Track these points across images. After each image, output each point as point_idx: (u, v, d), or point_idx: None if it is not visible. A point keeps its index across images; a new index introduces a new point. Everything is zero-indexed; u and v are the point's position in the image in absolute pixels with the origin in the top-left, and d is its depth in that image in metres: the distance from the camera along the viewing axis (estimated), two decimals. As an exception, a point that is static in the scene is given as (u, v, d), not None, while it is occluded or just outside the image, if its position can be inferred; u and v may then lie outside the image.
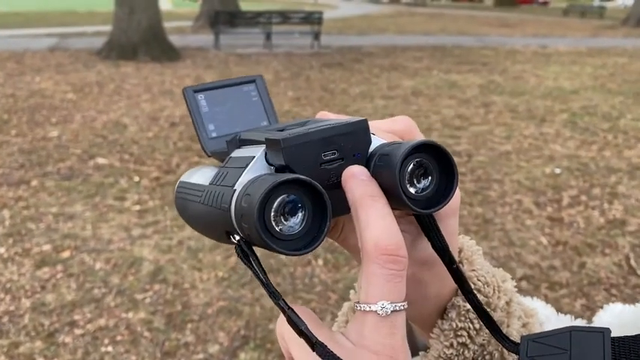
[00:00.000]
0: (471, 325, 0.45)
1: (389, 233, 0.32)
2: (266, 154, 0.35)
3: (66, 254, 3.50)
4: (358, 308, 0.33)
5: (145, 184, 4.67)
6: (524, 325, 0.49)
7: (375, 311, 0.32)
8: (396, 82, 9.45)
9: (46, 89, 8.28)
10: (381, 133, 0.39)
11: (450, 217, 0.40)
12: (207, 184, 0.39)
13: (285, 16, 14.11)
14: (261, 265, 0.34)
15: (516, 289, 0.50)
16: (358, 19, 26.08)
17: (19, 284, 3.16)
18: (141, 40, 11.14)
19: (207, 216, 0.38)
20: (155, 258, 3.47)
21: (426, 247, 0.40)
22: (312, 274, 3.31)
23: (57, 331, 2.77)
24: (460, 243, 0.47)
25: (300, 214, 0.32)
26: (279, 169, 0.34)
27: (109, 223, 3.93)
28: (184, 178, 0.44)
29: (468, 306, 0.44)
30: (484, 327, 0.45)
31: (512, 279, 0.50)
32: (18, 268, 3.33)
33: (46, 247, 3.57)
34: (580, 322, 0.56)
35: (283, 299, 0.33)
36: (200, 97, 0.44)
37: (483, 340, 0.45)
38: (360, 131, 0.35)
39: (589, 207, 4.35)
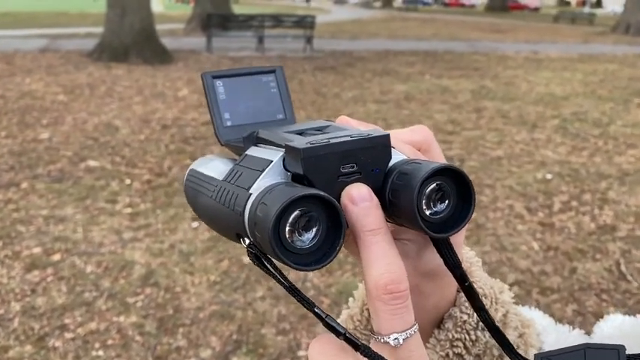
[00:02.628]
0: (467, 337, 0.45)
1: (389, 272, 0.32)
2: (284, 159, 0.35)
3: (56, 257, 3.46)
4: (375, 339, 0.34)
5: (137, 186, 4.64)
6: (520, 336, 0.49)
7: (389, 343, 0.33)
8: (389, 86, 9.47)
9: (37, 91, 8.22)
10: (400, 144, 0.38)
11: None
12: (221, 179, 0.38)
13: (277, 20, 14.12)
14: (277, 268, 0.33)
15: (513, 300, 0.50)
16: (351, 23, 26.15)
17: (8, 287, 3.12)
18: (133, 42, 11.10)
19: (218, 214, 0.37)
20: (146, 261, 3.45)
21: (431, 259, 0.40)
22: (304, 279, 3.30)
23: (47, 335, 2.75)
24: None
25: (314, 230, 0.31)
26: (296, 178, 0.34)
27: (100, 226, 3.90)
28: (196, 166, 0.43)
29: (465, 317, 0.45)
30: (480, 339, 0.45)
31: (509, 289, 0.51)
32: (8, 271, 3.29)
33: (37, 250, 3.54)
34: (578, 332, 0.56)
35: (318, 307, 0.32)
36: (218, 83, 0.43)
37: (479, 350, 0.46)
38: (381, 147, 0.35)
39: (580, 212, 4.38)
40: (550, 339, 0.54)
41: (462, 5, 58.91)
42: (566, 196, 4.69)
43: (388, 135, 0.35)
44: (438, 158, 0.41)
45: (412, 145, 0.40)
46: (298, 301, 0.33)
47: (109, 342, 2.71)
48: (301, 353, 2.70)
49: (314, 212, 0.31)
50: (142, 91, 8.47)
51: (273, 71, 0.45)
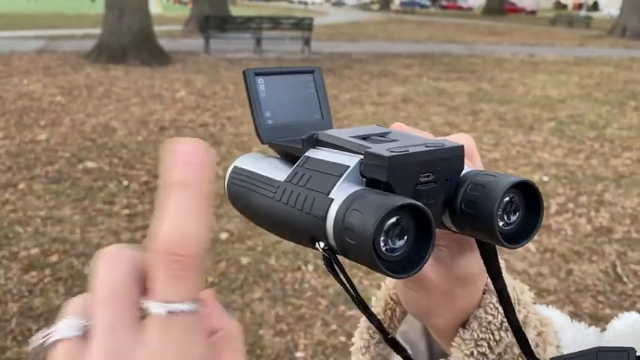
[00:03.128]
0: (491, 337, 0.47)
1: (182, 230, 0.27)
2: (361, 165, 0.35)
3: (54, 258, 3.47)
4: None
5: (135, 188, 4.65)
6: (539, 334, 0.51)
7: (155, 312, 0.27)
8: (386, 88, 9.50)
9: (34, 92, 8.22)
10: None
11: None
12: (283, 180, 0.38)
13: (275, 22, 14.14)
14: (348, 277, 0.34)
15: (532, 300, 0.52)
16: (348, 25, 26.21)
17: (5, 288, 3.12)
18: (130, 43, 11.10)
19: (286, 216, 0.36)
20: (144, 262, 3.45)
21: (465, 266, 0.42)
22: (302, 280, 3.31)
23: (45, 335, 2.75)
24: None
25: (405, 237, 0.32)
26: (373, 183, 0.34)
27: (98, 227, 3.90)
28: (241, 164, 0.43)
29: (490, 318, 0.46)
30: (503, 339, 0.47)
31: (530, 290, 0.52)
32: (5, 271, 3.29)
33: (34, 251, 3.54)
34: (593, 331, 0.58)
35: (380, 320, 0.34)
36: (260, 80, 0.43)
37: (501, 349, 0.47)
38: (456, 157, 0.36)
39: (576, 214, 4.40)
40: (567, 337, 0.55)
41: (460, 8, 59.10)
42: (562, 198, 4.72)
43: (462, 146, 0.36)
44: (479, 165, 0.42)
45: None
46: (362, 311, 0.34)
47: (107, 343, 2.72)
48: (299, 354, 2.71)
49: (406, 221, 0.32)
50: (139, 93, 8.48)
51: (312, 71, 0.45)
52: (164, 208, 0.27)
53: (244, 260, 3.52)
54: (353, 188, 0.33)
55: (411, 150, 0.34)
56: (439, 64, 12.86)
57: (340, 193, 0.33)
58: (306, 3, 57.61)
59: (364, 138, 0.37)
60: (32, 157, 5.29)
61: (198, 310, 0.26)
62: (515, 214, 0.36)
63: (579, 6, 58.64)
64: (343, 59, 12.98)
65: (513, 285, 0.50)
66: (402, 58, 13.49)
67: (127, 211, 4.18)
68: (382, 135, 0.38)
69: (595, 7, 64.78)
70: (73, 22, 21.61)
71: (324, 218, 0.33)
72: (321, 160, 0.37)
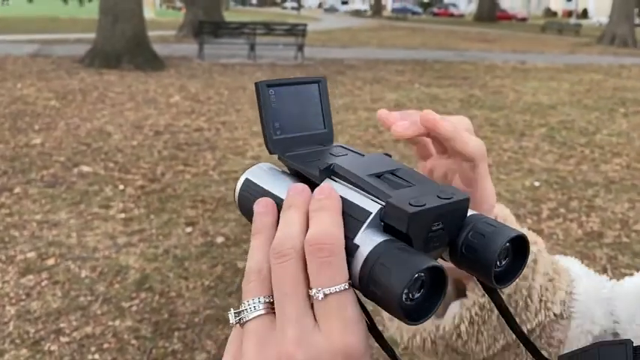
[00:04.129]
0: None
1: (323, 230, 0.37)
2: (381, 211, 0.37)
3: (51, 262, 3.48)
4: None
5: (130, 192, 4.66)
6: (550, 280, 0.56)
7: (313, 296, 0.37)
8: (379, 94, 9.57)
9: (28, 96, 8.21)
10: (462, 132, 0.46)
11: (483, 160, 0.49)
12: None
13: (269, 28, 14.21)
14: (370, 316, 0.38)
15: (544, 248, 0.58)
16: (341, 32, 26.33)
17: (2, 292, 3.13)
18: (125, 48, 11.12)
19: None
20: (141, 266, 3.48)
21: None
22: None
23: (42, 338, 2.76)
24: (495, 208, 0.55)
25: (422, 290, 0.36)
26: (392, 231, 0.37)
27: (94, 231, 3.92)
28: (253, 178, 0.45)
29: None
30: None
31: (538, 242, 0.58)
32: (2, 275, 3.30)
33: (31, 255, 3.55)
34: (610, 285, 0.61)
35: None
36: (271, 92, 0.44)
37: (511, 291, 0.54)
38: (463, 208, 0.40)
39: (567, 219, 4.47)
40: (581, 286, 0.59)
41: (451, 15, 59.51)
42: (553, 204, 4.78)
43: (469, 198, 0.40)
44: (474, 142, 0.48)
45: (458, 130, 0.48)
46: (381, 347, 0.39)
47: (105, 346, 2.74)
48: (295, 356, 2.73)
49: (426, 277, 0.36)
50: (134, 97, 8.49)
51: (318, 82, 0.47)
52: (309, 226, 0.36)
53: (240, 264, 3.55)
54: (376, 237, 0.36)
55: (428, 205, 0.37)
56: (431, 70, 12.97)
57: (365, 241, 0.36)
58: (298, 9, 57.78)
59: (378, 176, 0.40)
60: (27, 161, 5.29)
61: (348, 288, 0.35)
62: (505, 259, 0.41)
63: (569, 13, 59.24)
64: (336, 65, 13.05)
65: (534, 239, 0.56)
66: (394, 65, 13.58)
67: (122, 215, 4.20)
68: (393, 173, 0.41)
69: (584, 14, 65.45)
70: (66, 26, 21.57)
71: (350, 262, 0.36)
72: (342, 198, 0.39)
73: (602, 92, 10.68)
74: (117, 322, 2.91)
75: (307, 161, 0.43)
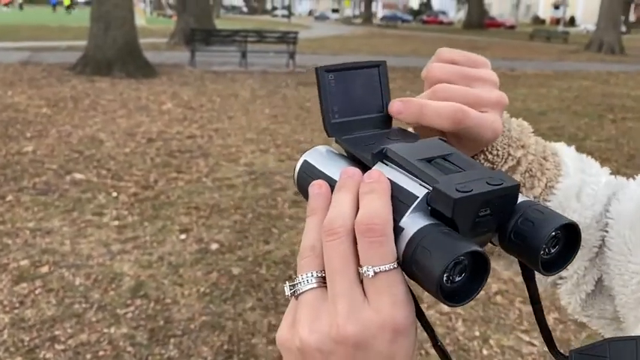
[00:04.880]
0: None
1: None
2: (428, 195, 0.38)
3: (44, 269, 3.46)
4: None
5: (124, 199, 4.65)
6: (540, 165, 0.59)
7: (363, 274, 0.38)
8: (371, 101, 9.61)
9: (20, 103, 8.18)
10: (425, 116, 0.47)
11: (463, 120, 0.48)
12: None
13: (260, 35, 14.25)
14: (410, 288, 0.39)
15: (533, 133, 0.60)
16: (332, 39, 26.44)
17: (-4, 300, 3.12)
18: (116, 56, 11.11)
19: None
20: (135, 273, 3.47)
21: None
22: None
23: (37, 346, 2.75)
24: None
25: (463, 274, 0.37)
26: (438, 215, 0.38)
27: (88, 239, 3.91)
28: (312, 160, 0.46)
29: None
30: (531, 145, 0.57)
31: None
32: (-5, 283, 3.28)
33: (24, 263, 3.53)
34: (604, 190, 0.63)
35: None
36: (330, 76, 0.45)
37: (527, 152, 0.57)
38: (512, 195, 0.40)
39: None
40: (566, 183, 0.60)
41: (441, 23, 59.95)
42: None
43: (519, 184, 0.40)
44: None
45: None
46: (422, 325, 0.39)
47: (101, 353, 2.73)
48: (292, 362, 2.74)
49: (467, 261, 0.36)
50: (126, 105, 8.48)
51: (378, 65, 0.49)
52: (360, 207, 0.38)
53: (235, 270, 3.55)
54: (421, 221, 0.37)
55: (475, 190, 0.37)
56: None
57: (410, 224, 0.37)
58: (289, 17, 57.98)
59: (429, 160, 0.41)
60: (19, 168, 5.27)
61: (396, 267, 0.37)
62: (555, 247, 0.41)
63: (557, 21, 59.84)
64: (328, 72, 13.08)
65: (522, 127, 0.59)
66: (385, 72, 13.63)
67: (116, 223, 4.19)
68: (445, 158, 0.41)
69: (572, 22, 66.19)
70: (56, 34, 21.49)
71: (395, 243, 0.37)
72: (393, 182, 0.40)
73: (591, 98, 10.81)
74: (112, 330, 2.90)
75: (363, 145, 0.44)
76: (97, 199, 4.63)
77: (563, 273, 0.64)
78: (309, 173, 0.45)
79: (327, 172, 0.44)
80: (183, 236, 4.01)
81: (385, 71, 0.48)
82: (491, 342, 2.95)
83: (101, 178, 5.12)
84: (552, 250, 0.41)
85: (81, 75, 10.82)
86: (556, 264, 0.41)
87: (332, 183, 0.42)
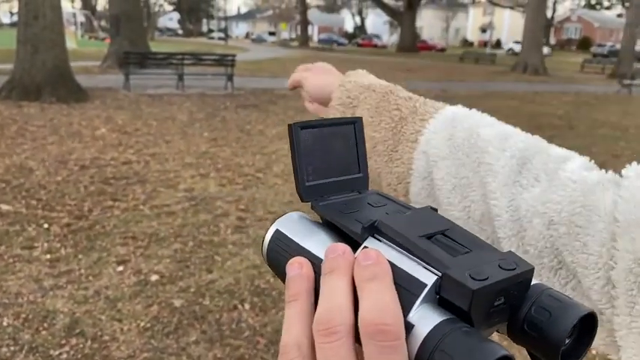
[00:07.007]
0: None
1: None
2: (437, 282, 0.33)
3: (-32, 311, 3.22)
4: None
5: (56, 231, 4.42)
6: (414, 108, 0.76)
7: None
8: (311, 123, 9.67)
9: (-62, 131, 7.67)
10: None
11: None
12: None
13: (197, 58, 14.12)
14: None
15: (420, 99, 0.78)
16: (270, 62, 26.54)
17: None
18: (46, 80, 10.66)
19: None
20: (70, 310, 3.28)
21: None
22: (238, 319, 3.27)
23: (-40, 396, 2.53)
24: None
25: None
26: (448, 305, 0.33)
27: (17, 275, 3.67)
28: (284, 230, 0.41)
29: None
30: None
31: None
32: None
33: (-56, 304, 3.27)
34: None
35: None
36: (305, 134, 0.41)
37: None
38: (527, 280, 0.35)
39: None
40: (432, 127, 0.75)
41: (375, 46, 61.47)
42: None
43: (533, 269, 0.35)
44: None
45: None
46: None
47: (32, 399, 2.54)
48: (240, 396, 2.65)
49: None
50: (56, 131, 8.12)
51: (353, 122, 0.44)
52: (361, 298, 0.32)
53: (177, 302, 3.43)
54: (435, 316, 0.32)
55: (491, 279, 0.33)
56: (360, 99, 13.27)
57: (421, 320, 0.32)
58: (225, 39, 57.84)
59: (429, 238, 0.36)
60: (-62, 201, 4.91)
61: None
62: (570, 337, 0.36)
63: (485, 44, 62.80)
64: (267, 95, 13.11)
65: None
66: (324, 94, 13.80)
67: (48, 256, 3.96)
68: (444, 234, 0.37)
69: (498, 44, 69.71)
70: (-21, 56, 20.42)
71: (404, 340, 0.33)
72: (395, 266, 0.34)
73: (519, 118, 11.33)
74: (45, 373, 2.72)
75: (345, 213, 0.39)
76: (27, 231, 4.38)
77: None
78: (284, 247, 0.40)
79: (304, 246, 0.39)
80: (120, 268, 3.84)
81: (361, 128, 0.44)
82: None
83: (31, 209, 4.85)
84: (567, 341, 0.36)
85: (7, 100, 10.30)
86: (572, 354, 0.36)
87: (312, 259, 0.37)
